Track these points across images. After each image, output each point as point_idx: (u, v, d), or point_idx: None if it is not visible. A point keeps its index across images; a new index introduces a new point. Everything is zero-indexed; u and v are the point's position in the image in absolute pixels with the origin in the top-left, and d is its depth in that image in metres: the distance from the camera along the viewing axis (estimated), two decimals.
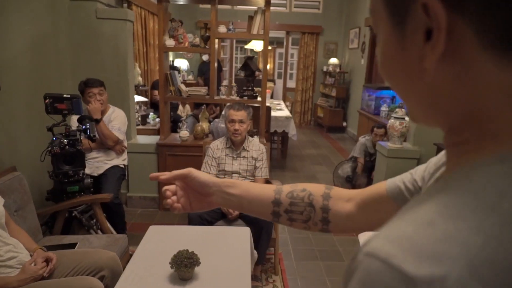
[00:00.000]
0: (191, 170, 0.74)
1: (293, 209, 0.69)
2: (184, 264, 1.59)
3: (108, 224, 2.48)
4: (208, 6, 3.23)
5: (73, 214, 2.39)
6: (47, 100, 2.24)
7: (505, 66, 0.29)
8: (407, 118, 3.60)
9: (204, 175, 0.74)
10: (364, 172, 3.98)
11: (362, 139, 4.16)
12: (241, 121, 2.53)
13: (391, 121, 3.57)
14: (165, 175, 0.74)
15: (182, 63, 7.30)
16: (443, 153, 0.50)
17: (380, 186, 0.64)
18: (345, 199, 0.69)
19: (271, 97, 9.16)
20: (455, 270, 0.24)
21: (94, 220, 2.46)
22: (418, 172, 0.58)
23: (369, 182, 3.98)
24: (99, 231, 2.44)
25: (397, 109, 3.63)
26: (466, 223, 0.26)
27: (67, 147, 2.23)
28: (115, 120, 2.83)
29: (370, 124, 4.75)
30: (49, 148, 2.20)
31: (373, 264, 0.27)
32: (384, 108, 5.05)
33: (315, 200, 0.69)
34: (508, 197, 0.26)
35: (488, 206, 0.26)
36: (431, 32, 0.30)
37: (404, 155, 3.52)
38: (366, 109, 5.78)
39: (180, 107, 5.14)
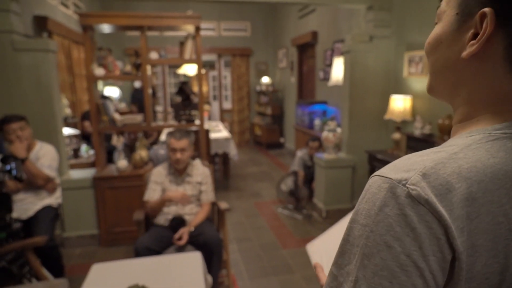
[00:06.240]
0: None
1: None
2: None
3: (44, 270, 2.27)
4: (135, 33, 3.22)
5: (0, 266, 2.15)
6: None
7: None
8: (338, 130, 3.85)
9: None
10: (305, 184, 4.14)
11: (299, 153, 4.34)
12: (182, 150, 2.51)
13: (325, 133, 3.78)
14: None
15: (112, 92, 7.03)
16: None
17: None
18: None
19: (208, 119, 9.16)
20: (414, 175, 0.42)
21: (27, 268, 2.24)
22: None
23: (311, 193, 4.14)
24: (33, 279, 2.22)
25: (329, 122, 3.86)
26: (427, 157, 0.44)
27: None
28: (44, 157, 2.63)
29: (306, 138, 4.98)
30: None
31: (372, 179, 0.46)
32: (317, 122, 5.33)
33: None
34: (465, 151, 0.44)
35: (449, 151, 0.44)
36: (477, 36, 0.45)
37: (340, 164, 3.75)
38: (301, 124, 6.05)
39: (115, 136, 4.92)
